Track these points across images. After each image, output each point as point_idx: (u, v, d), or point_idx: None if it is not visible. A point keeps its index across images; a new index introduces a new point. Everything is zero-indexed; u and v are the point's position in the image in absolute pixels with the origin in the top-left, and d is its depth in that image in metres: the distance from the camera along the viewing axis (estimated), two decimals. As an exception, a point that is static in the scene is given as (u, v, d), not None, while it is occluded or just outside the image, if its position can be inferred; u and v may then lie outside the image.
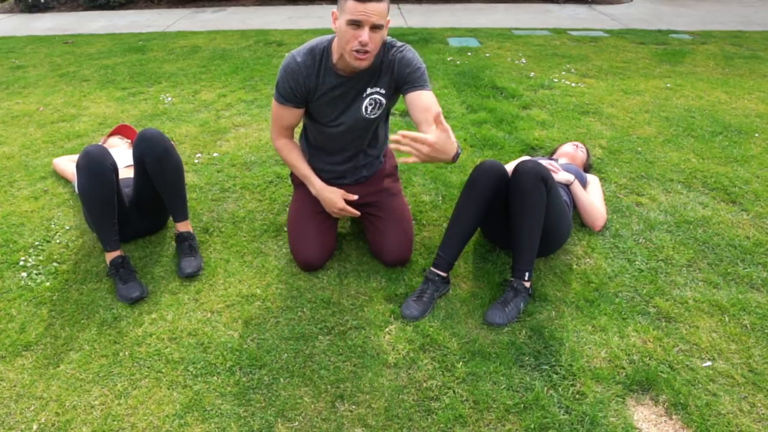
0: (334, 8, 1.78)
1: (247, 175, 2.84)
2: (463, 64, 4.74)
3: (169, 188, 2.11)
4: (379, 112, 1.97)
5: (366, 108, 1.93)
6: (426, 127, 1.72)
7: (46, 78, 4.59)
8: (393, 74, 1.88)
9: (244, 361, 1.71)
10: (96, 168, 1.91)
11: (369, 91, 1.91)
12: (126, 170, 2.44)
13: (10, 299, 1.99)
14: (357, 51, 1.72)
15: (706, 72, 4.54)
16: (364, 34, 1.68)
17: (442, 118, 1.46)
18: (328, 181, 2.11)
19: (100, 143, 2.82)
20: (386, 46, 1.88)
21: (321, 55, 1.86)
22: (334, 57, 1.85)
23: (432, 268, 1.95)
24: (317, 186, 2.06)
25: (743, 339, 1.79)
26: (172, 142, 2.19)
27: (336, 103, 1.93)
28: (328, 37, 1.89)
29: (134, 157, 2.08)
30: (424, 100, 1.78)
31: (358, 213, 2.07)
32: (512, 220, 1.90)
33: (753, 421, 1.51)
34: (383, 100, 1.94)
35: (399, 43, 1.90)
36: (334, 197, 2.04)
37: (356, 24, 1.68)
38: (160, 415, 1.54)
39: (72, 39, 5.98)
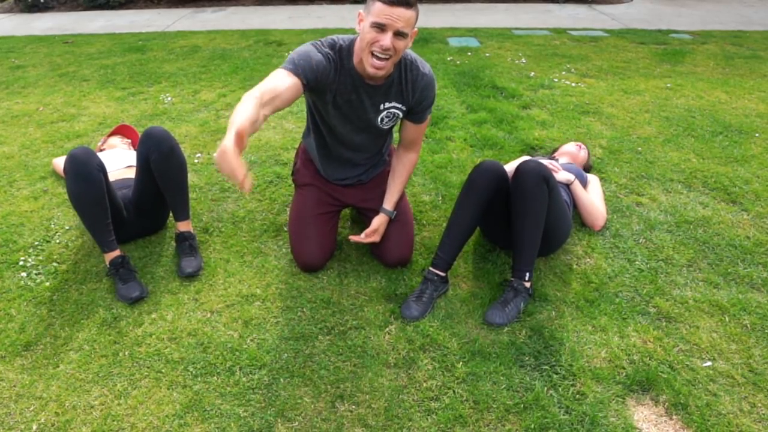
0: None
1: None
2: (463, 64, 4.74)
3: (173, 187, 2.11)
4: (394, 123, 1.98)
5: (382, 120, 1.92)
6: (401, 149, 2.06)
7: (46, 78, 4.59)
8: (414, 96, 1.87)
9: (244, 361, 1.71)
10: (82, 170, 1.89)
11: (387, 105, 1.87)
12: (125, 171, 2.44)
13: (10, 299, 1.99)
14: (375, 55, 1.65)
15: (706, 72, 4.53)
16: (387, 39, 1.61)
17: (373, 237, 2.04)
18: (341, 183, 2.13)
19: (99, 144, 2.83)
20: (409, 63, 1.82)
21: (341, 54, 1.77)
22: (355, 60, 1.77)
23: (431, 268, 1.95)
24: (227, 136, 1.45)
25: (743, 339, 1.78)
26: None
27: (350, 108, 1.86)
28: (349, 36, 1.81)
29: (139, 155, 2.07)
30: (416, 132, 2.00)
31: (243, 183, 1.40)
32: (513, 219, 1.90)
33: (753, 421, 1.51)
34: (400, 114, 1.93)
35: (422, 64, 1.86)
36: (227, 141, 1.42)
37: (380, 27, 1.60)
38: (160, 415, 1.54)
39: (72, 39, 5.98)
